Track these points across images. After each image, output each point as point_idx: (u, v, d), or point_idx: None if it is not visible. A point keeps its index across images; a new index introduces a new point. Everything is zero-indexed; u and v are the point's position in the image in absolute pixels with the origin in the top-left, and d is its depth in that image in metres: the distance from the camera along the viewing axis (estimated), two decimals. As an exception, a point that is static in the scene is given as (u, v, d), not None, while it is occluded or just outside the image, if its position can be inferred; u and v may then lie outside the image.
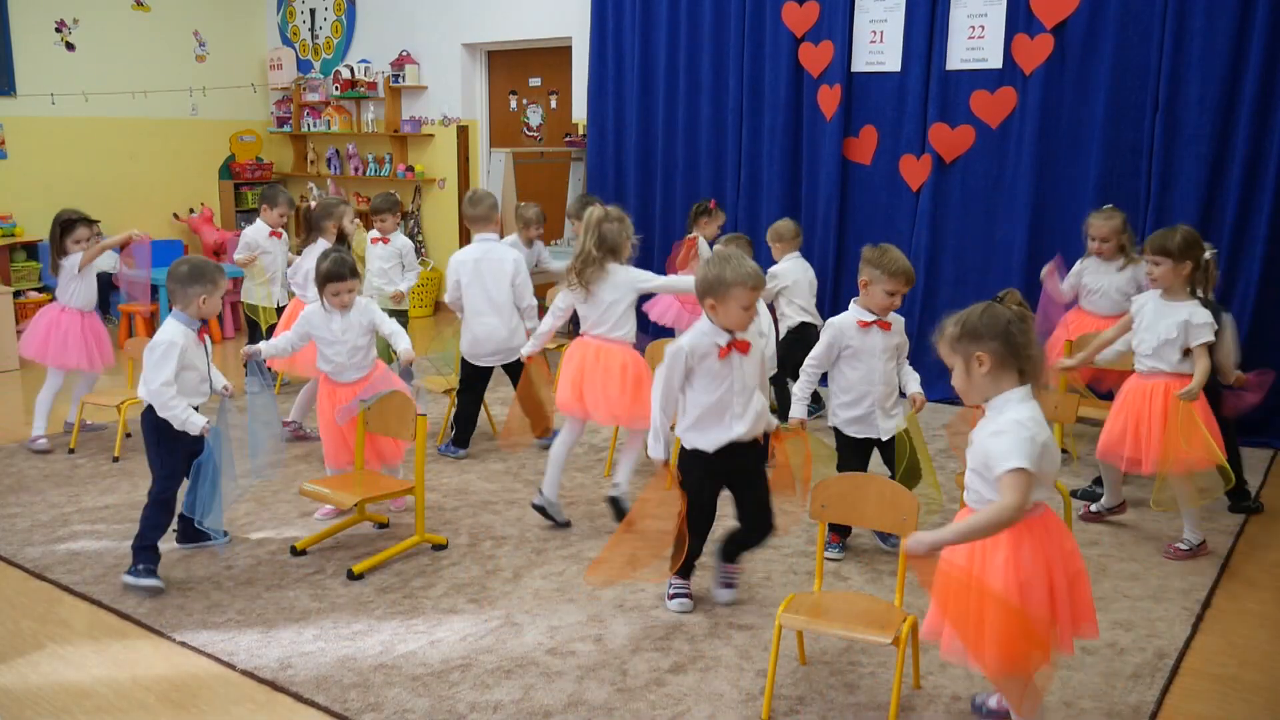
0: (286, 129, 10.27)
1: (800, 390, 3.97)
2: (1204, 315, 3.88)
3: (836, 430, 3.99)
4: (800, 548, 4.08)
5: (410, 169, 9.42)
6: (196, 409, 3.78)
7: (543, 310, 4.86)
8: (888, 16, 6.39)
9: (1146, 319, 4.04)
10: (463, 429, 5.31)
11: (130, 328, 7.84)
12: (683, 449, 3.47)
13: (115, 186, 9.22)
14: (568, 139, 8.46)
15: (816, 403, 5.50)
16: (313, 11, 10.01)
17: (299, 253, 5.70)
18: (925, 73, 6.26)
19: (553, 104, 8.94)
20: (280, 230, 6.26)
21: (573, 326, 4.99)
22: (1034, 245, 5.93)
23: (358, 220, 6.12)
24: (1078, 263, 5.14)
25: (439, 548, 4.11)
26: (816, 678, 3.13)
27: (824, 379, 4.02)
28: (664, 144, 7.40)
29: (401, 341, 4.28)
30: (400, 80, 9.31)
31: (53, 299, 8.23)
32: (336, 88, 9.58)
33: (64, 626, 3.51)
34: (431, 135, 9.32)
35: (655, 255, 7.18)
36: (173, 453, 3.77)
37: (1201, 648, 3.36)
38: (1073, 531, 4.07)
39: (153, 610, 3.58)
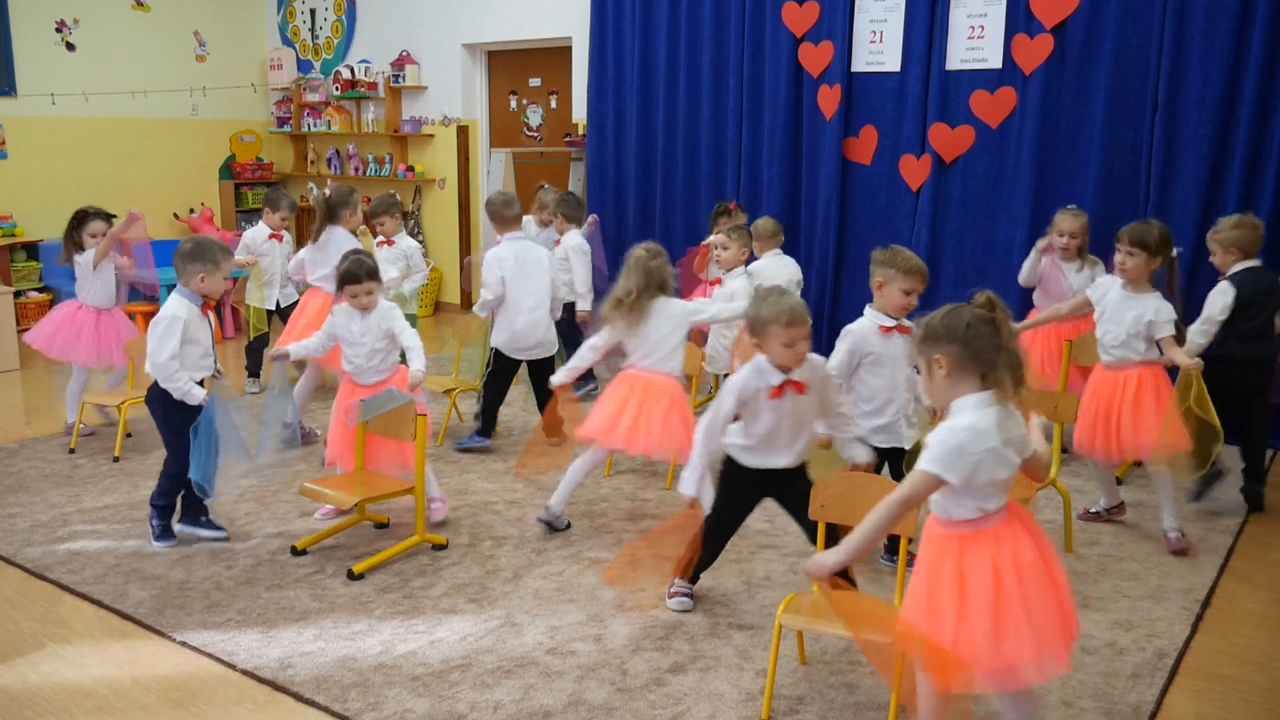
0: (287, 129, 10.27)
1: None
2: (1168, 310, 3.99)
3: (891, 449, 3.82)
4: (800, 548, 4.08)
5: (410, 169, 9.42)
6: (201, 384, 3.97)
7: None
8: (888, 16, 6.39)
9: (1110, 309, 4.12)
10: (489, 419, 5.39)
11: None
12: (727, 454, 3.42)
13: (115, 186, 9.20)
14: (568, 139, 8.46)
15: None
16: (313, 11, 10.01)
17: (315, 240, 5.52)
18: (925, 73, 6.26)
19: (553, 104, 8.94)
20: (281, 234, 6.28)
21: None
22: (1034, 245, 5.91)
23: (364, 225, 6.08)
24: (1039, 256, 5.20)
25: (439, 548, 4.11)
26: (816, 678, 3.13)
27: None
28: (664, 144, 7.41)
29: (416, 361, 4.17)
30: (400, 80, 9.30)
31: (52, 299, 8.27)
32: (337, 88, 9.58)
33: (64, 626, 3.51)
34: (432, 135, 9.32)
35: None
36: (181, 430, 3.94)
37: (1201, 648, 3.36)
38: (1073, 531, 4.12)
39: (153, 610, 3.59)
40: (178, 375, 3.89)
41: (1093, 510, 4.42)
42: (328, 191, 5.49)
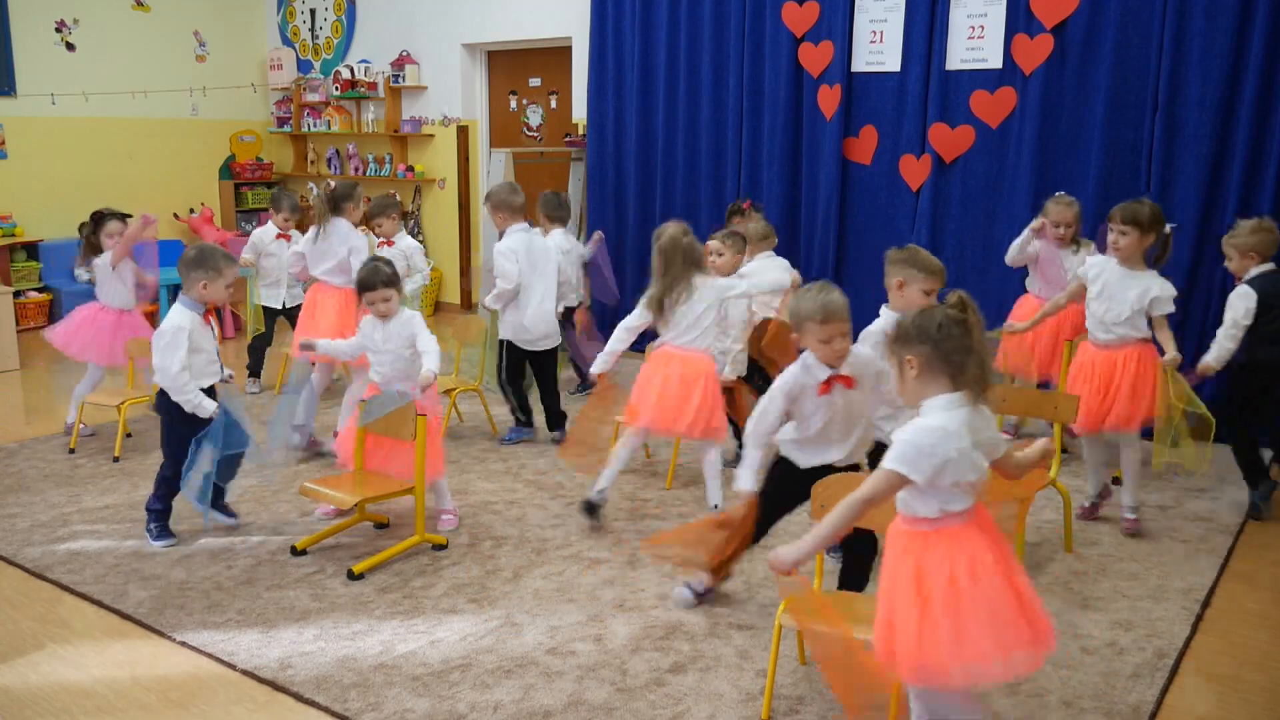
0: (287, 129, 10.27)
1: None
2: (1169, 287, 4.06)
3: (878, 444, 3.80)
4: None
5: (410, 169, 9.42)
6: (211, 389, 4.07)
7: None
8: (888, 16, 6.38)
9: (1109, 288, 4.15)
10: (525, 409, 5.50)
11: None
12: (778, 453, 3.40)
13: (115, 186, 9.21)
14: (568, 139, 8.46)
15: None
16: (313, 11, 10.01)
17: (317, 232, 5.42)
18: (925, 73, 6.26)
19: (553, 104, 8.94)
20: (289, 234, 6.33)
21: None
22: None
23: (363, 226, 6.07)
24: (1031, 236, 5.12)
25: (439, 548, 4.11)
26: (816, 678, 3.13)
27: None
28: (664, 144, 7.40)
29: (429, 362, 4.10)
30: (400, 80, 9.31)
31: (52, 299, 8.27)
32: (337, 88, 9.58)
33: (64, 626, 3.51)
34: (432, 135, 9.32)
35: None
36: (184, 440, 3.98)
37: (1201, 648, 3.36)
38: (1073, 531, 4.11)
39: (153, 610, 3.59)
40: (188, 388, 3.94)
41: (1086, 505, 4.42)
42: (331, 184, 5.45)
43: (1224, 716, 2.99)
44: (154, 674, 3.20)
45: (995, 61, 6.04)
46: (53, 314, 8.72)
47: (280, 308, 6.33)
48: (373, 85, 9.49)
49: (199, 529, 4.29)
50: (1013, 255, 5.24)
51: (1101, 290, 4.17)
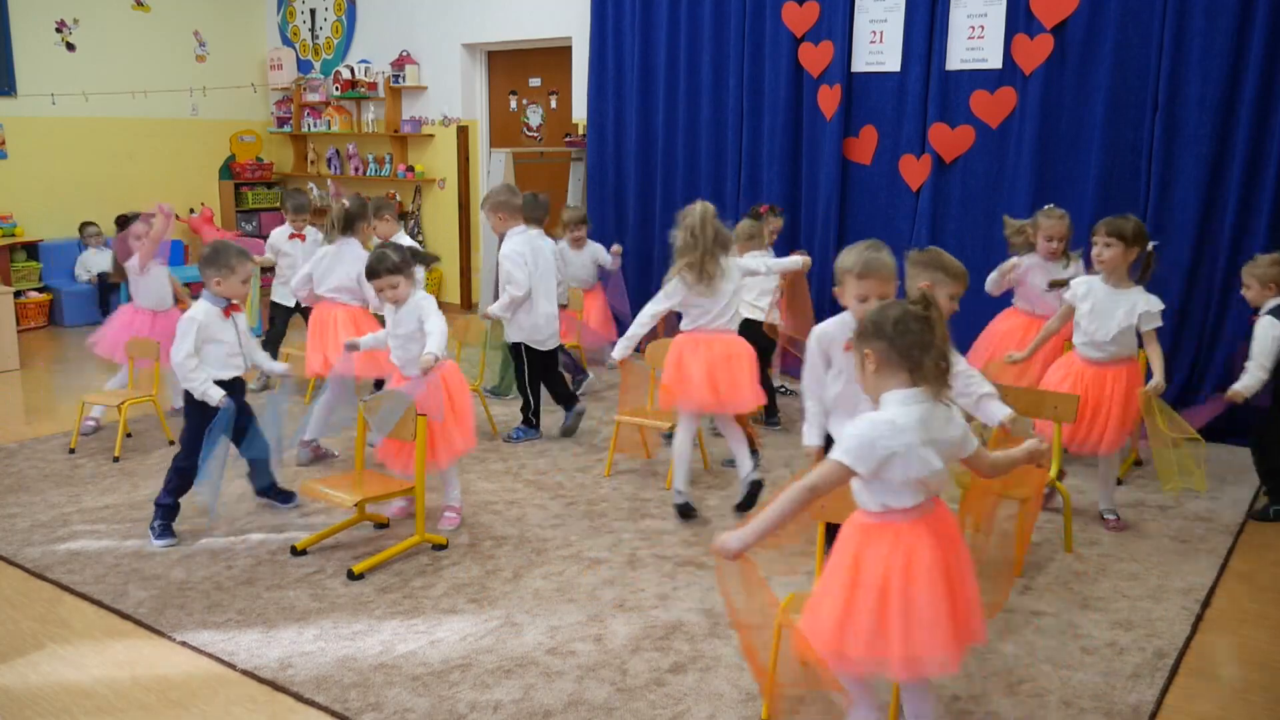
0: (287, 129, 10.27)
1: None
2: (1157, 302, 4.09)
3: None
4: (800, 548, 4.06)
5: (410, 169, 9.42)
6: (232, 381, 4.16)
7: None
8: (888, 16, 6.39)
9: (1098, 306, 4.16)
10: (538, 412, 5.56)
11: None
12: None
13: (115, 186, 9.22)
14: (568, 139, 8.46)
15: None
16: (313, 11, 10.02)
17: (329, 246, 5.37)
18: (925, 73, 6.26)
19: (553, 104, 8.94)
20: (302, 233, 6.39)
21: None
22: (1003, 261, 5.89)
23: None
24: (1017, 261, 5.06)
25: (439, 548, 4.11)
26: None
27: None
28: (664, 144, 7.40)
29: (430, 343, 4.05)
30: (400, 80, 9.31)
31: (52, 299, 8.29)
32: (337, 88, 9.58)
33: (64, 626, 3.51)
34: (432, 135, 9.32)
35: (656, 257, 7.18)
36: (197, 426, 4.07)
37: (1201, 648, 3.36)
38: (1073, 531, 4.11)
39: (153, 610, 3.59)
40: (193, 375, 4.05)
41: (1111, 518, 4.40)
42: (346, 203, 5.38)
43: (1224, 716, 2.99)
44: (154, 674, 3.20)
45: (995, 61, 6.04)
46: (53, 314, 8.73)
47: (294, 306, 6.35)
48: (373, 85, 9.49)
49: (200, 528, 4.29)
50: (992, 286, 5.15)
51: (1091, 309, 4.18)
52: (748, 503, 4.35)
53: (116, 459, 5.20)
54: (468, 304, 9.36)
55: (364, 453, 4.25)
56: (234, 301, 4.22)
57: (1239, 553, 4.13)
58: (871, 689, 2.61)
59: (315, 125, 10.03)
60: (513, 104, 9.18)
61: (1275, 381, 4.37)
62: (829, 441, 3.22)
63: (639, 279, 7.39)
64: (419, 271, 5.86)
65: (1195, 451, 4.12)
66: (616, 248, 6.84)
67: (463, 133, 9.17)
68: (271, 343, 6.50)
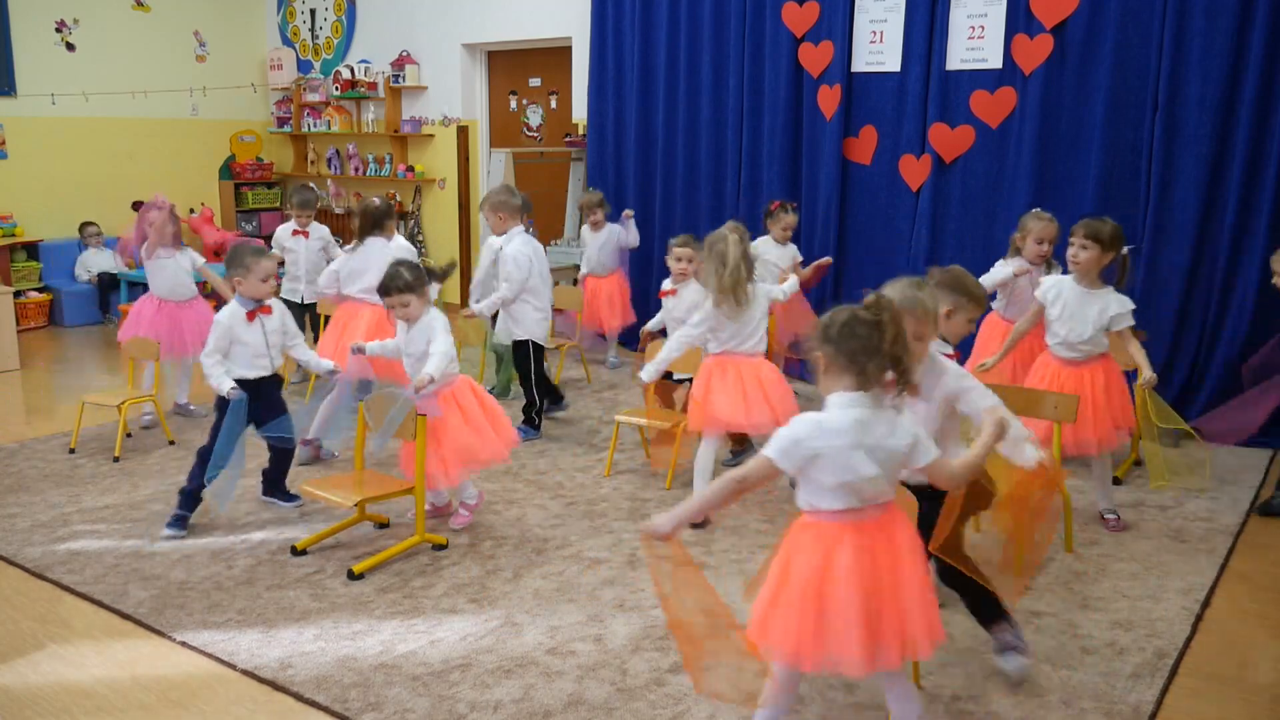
0: (287, 129, 10.27)
1: None
2: (1127, 302, 4.14)
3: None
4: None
5: (410, 169, 9.42)
6: (258, 380, 4.28)
7: None
8: (888, 16, 6.38)
9: (1069, 308, 4.18)
10: (540, 412, 5.59)
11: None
12: None
13: (115, 186, 9.22)
14: (568, 139, 8.46)
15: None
16: (313, 12, 10.02)
17: (353, 249, 5.35)
18: (925, 73, 6.26)
19: (553, 104, 8.94)
20: (305, 230, 6.40)
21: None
22: (1006, 256, 5.89)
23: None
24: (1009, 265, 4.98)
25: (439, 548, 4.11)
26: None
27: None
28: (664, 144, 7.41)
29: (430, 365, 4.03)
30: (400, 80, 9.31)
31: (52, 299, 8.29)
32: (337, 88, 9.58)
33: (64, 626, 3.51)
34: (432, 135, 9.32)
35: (656, 258, 7.18)
36: (220, 417, 4.19)
37: (1201, 648, 3.36)
38: (1073, 531, 4.11)
39: (153, 610, 3.59)
40: (212, 369, 4.22)
41: (1111, 519, 4.40)
42: (377, 201, 5.33)
43: (1224, 716, 2.99)
44: (154, 674, 3.20)
45: (995, 61, 6.04)
46: (53, 314, 8.73)
47: (300, 302, 6.35)
48: (373, 85, 9.49)
49: (200, 528, 4.30)
50: (992, 283, 5.01)
51: (1062, 311, 4.20)
52: None
53: (116, 459, 5.20)
54: (467, 304, 9.35)
55: (363, 453, 4.25)
56: (264, 304, 4.31)
57: (1239, 553, 4.12)
58: (793, 682, 2.65)
59: (315, 125, 10.03)
60: (513, 104, 9.18)
61: None
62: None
63: (640, 278, 7.39)
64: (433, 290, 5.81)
65: (1189, 452, 4.13)
66: (628, 212, 6.86)
67: (463, 133, 9.17)
68: None
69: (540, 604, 3.64)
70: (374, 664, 3.22)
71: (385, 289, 4.13)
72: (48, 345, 8.02)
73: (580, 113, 8.05)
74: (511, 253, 5.36)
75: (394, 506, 4.37)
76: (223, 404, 4.21)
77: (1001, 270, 5.05)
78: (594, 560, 4.01)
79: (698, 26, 7.12)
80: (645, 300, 7.20)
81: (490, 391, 6.26)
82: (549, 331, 5.62)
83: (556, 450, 5.38)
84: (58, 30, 8.85)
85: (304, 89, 10.01)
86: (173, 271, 5.66)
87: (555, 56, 8.57)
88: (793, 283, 5.04)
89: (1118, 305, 4.12)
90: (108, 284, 8.74)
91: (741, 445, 4.90)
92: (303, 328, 6.50)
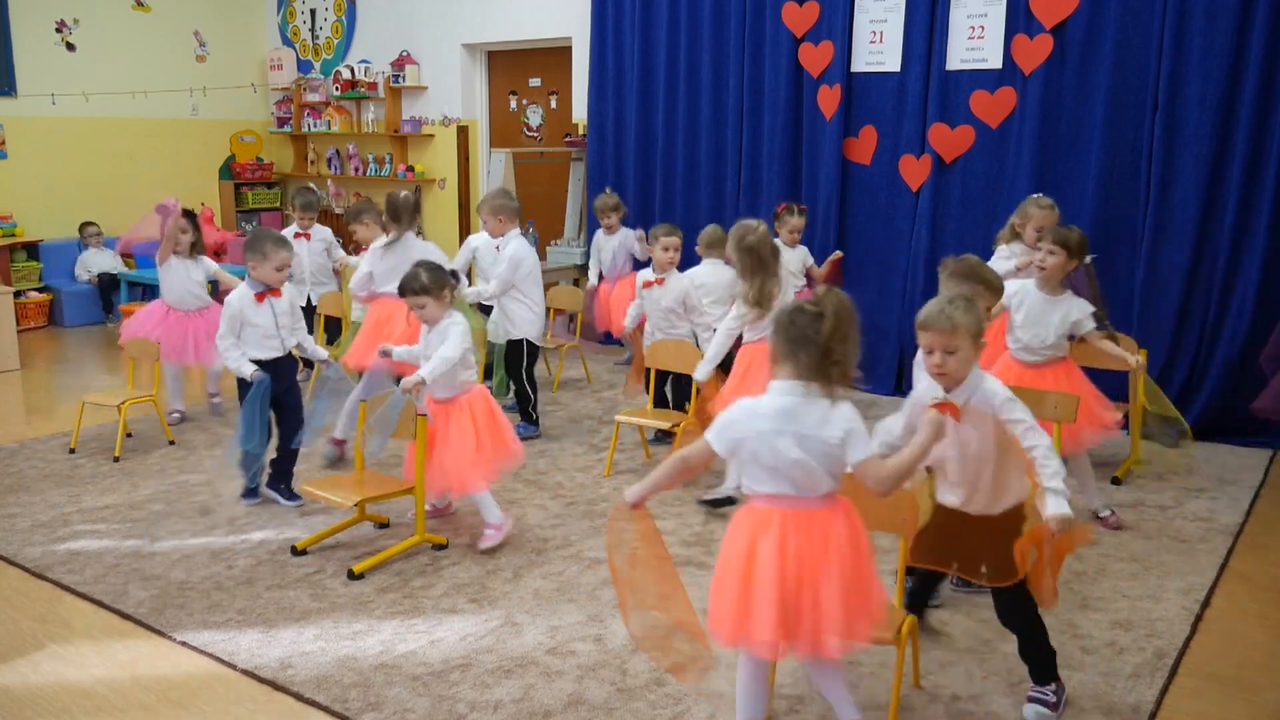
0: (287, 129, 10.27)
1: None
2: (1086, 306, 4.21)
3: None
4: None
5: (410, 169, 9.42)
6: (274, 360, 4.42)
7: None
8: (888, 16, 6.39)
9: (1032, 314, 4.25)
10: (537, 407, 5.63)
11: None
12: None
13: (115, 186, 9.22)
14: (568, 139, 8.46)
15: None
16: (313, 12, 10.02)
17: (388, 246, 5.24)
18: (925, 73, 6.26)
19: (553, 104, 8.94)
20: (308, 233, 6.40)
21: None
22: (1014, 255, 5.89)
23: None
24: (1010, 258, 4.91)
25: (439, 548, 4.11)
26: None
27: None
28: (664, 144, 7.41)
29: (426, 366, 3.99)
30: (400, 80, 9.31)
31: (52, 299, 8.27)
32: (337, 88, 9.58)
33: (64, 626, 3.51)
34: (432, 135, 9.32)
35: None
36: (243, 400, 4.35)
37: (1201, 648, 3.36)
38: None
39: (153, 610, 3.59)
40: (229, 352, 4.37)
41: (1104, 514, 4.40)
42: (404, 194, 5.28)
43: (1224, 716, 2.99)
44: (154, 674, 3.20)
45: (995, 61, 6.04)
46: (53, 314, 8.73)
47: (304, 305, 6.32)
48: (373, 85, 9.49)
49: (200, 528, 4.30)
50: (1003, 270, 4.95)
51: (1025, 317, 4.24)
52: (717, 502, 4.51)
53: (117, 459, 5.20)
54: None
55: (364, 453, 4.25)
56: (272, 287, 4.43)
57: (1239, 553, 4.13)
58: (754, 677, 2.68)
59: (315, 125, 10.03)
60: (513, 104, 9.18)
61: None
62: None
63: (639, 278, 7.39)
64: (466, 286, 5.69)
65: (1186, 453, 4.14)
66: (639, 233, 6.81)
67: (463, 133, 9.17)
68: None
69: (540, 604, 3.64)
70: (374, 664, 3.22)
71: (402, 289, 4.10)
72: (48, 345, 8.03)
73: (580, 113, 8.05)
74: (511, 254, 5.38)
75: (394, 506, 4.37)
76: (244, 386, 4.36)
77: (1004, 265, 5.04)
78: (594, 560, 4.01)
79: (698, 26, 7.12)
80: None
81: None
82: (543, 331, 5.65)
83: (556, 450, 5.38)
84: (58, 30, 8.85)
85: (304, 89, 10.01)
86: (183, 279, 5.60)
87: (555, 56, 8.57)
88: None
89: (1078, 311, 4.19)
90: (108, 284, 8.74)
91: None
92: (309, 330, 6.53)
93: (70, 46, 8.92)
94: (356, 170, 9.85)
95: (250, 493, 4.60)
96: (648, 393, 5.26)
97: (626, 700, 3.01)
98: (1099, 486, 4.44)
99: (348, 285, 5.45)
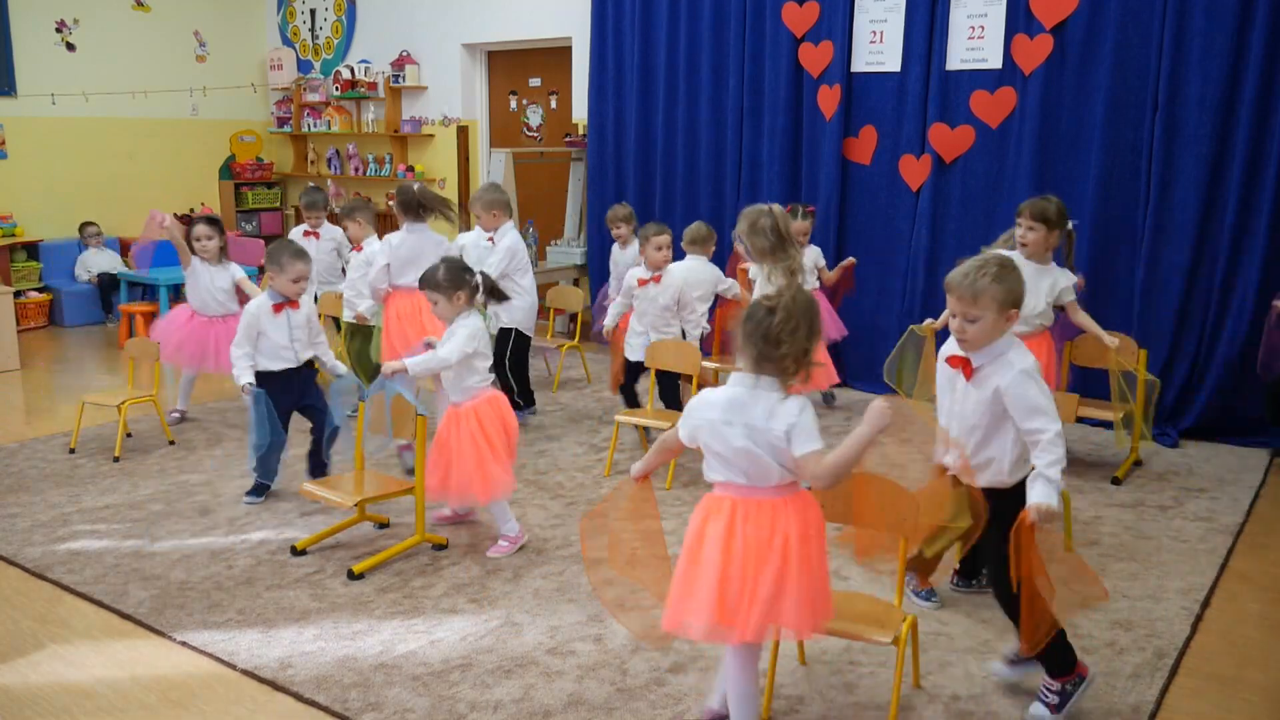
0: (287, 129, 10.27)
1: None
2: (1070, 275, 4.39)
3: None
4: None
5: (410, 169, 9.42)
6: (284, 371, 4.48)
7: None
8: (888, 16, 6.38)
9: (1026, 284, 4.24)
10: (527, 392, 5.79)
11: (131, 328, 7.85)
12: None
13: (115, 186, 9.23)
14: (568, 139, 8.46)
15: None
16: (313, 12, 10.01)
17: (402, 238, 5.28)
18: (925, 73, 6.25)
19: (553, 104, 8.94)
20: (317, 231, 6.41)
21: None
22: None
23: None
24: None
25: (439, 548, 4.11)
26: (816, 678, 3.13)
27: None
28: (664, 144, 7.41)
29: (414, 359, 3.94)
30: (400, 80, 9.31)
31: (52, 299, 8.27)
32: (337, 88, 9.58)
33: (64, 626, 3.51)
34: (432, 135, 9.32)
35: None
36: (268, 406, 4.42)
37: (1201, 648, 3.36)
38: (1073, 531, 4.11)
39: (153, 610, 3.59)
40: (236, 361, 4.41)
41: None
42: (417, 186, 5.34)
43: (1224, 716, 2.99)
44: (154, 674, 3.20)
45: (995, 61, 6.04)
46: (53, 314, 8.73)
47: (315, 301, 6.33)
48: (373, 85, 9.49)
49: (200, 528, 4.30)
50: None
51: None
52: None
53: (116, 459, 5.20)
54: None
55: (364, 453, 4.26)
56: (290, 299, 4.46)
57: (1239, 553, 4.13)
58: (743, 662, 2.69)
59: (315, 125, 10.03)
60: (513, 104, 9.18)
61: None
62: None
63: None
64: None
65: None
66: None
67: (463, 133, 9.17)
68: None
69: (540, 604, 3.64)
70: (374, 664, 3.22)
71: (421, 281, 4.03)
72: (48, 345, 8.03)
73: (580, 113, 8.05)
74: (508, 245, 5.54)
75: (394, 507, 4.37)
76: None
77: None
78: (594, 561, 4.00)
79: (698, 26, 7.12)
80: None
81: None
82: (534, 322, 5.80)
83: (556, 450, 5.38)
84: (58, 30, 8.85)
85: (304, 89, 10.01)
86: (206, 285, 5.54)
87: (555, 56, 8.57)
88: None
89: (1065, 279, 4.33)
90: (108, 284, 8.74)
91: None
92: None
93: (70, 46, 8.92)
94: (356, 170, 9.85)
95: (253, 491, 4.61)
96: (619, 393, 5.42)
97: (626, 700, 3.01)
98: (1097, 486, 4.45)
99: (366, 281, 5.39)
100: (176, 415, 5.87)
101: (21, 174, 8.68)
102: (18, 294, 8.22)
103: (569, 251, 8.09)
